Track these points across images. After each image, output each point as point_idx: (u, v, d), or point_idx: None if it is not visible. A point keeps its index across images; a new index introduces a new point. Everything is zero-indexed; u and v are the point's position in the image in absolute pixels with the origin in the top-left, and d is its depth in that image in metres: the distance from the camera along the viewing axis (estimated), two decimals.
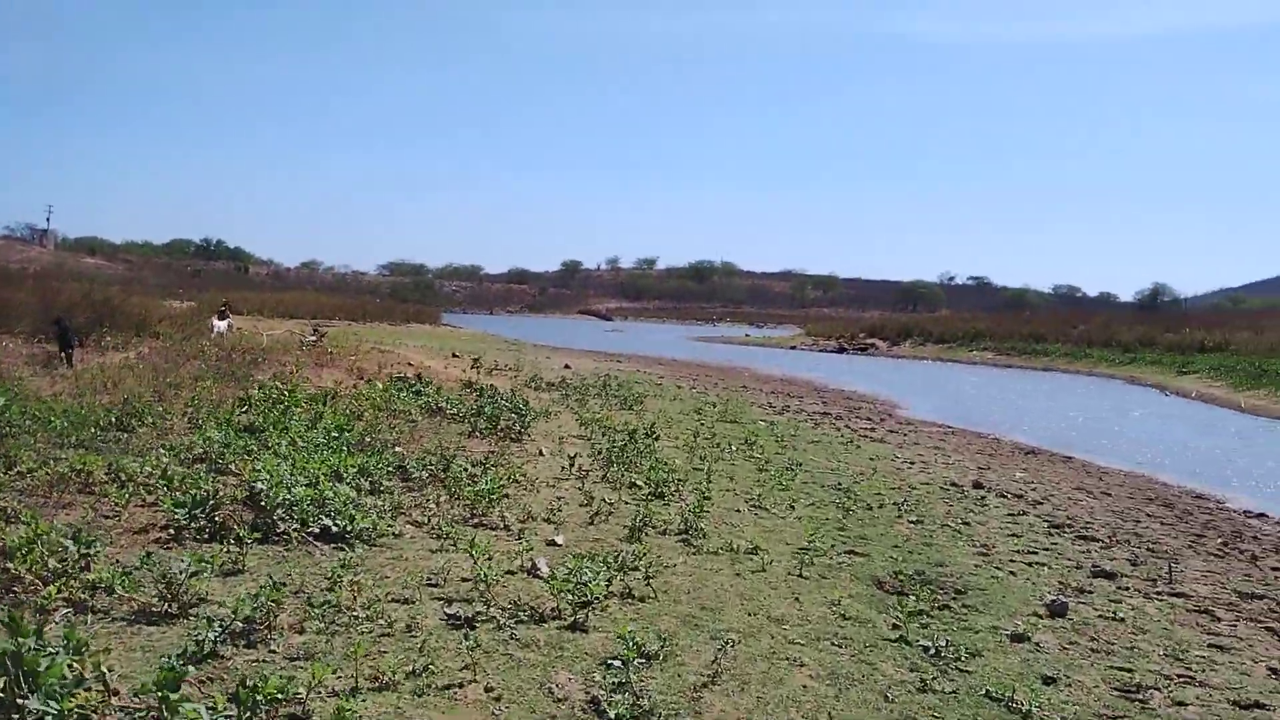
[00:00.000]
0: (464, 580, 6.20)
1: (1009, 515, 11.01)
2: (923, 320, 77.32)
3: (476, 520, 7.92)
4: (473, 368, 19.27)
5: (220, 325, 25.66)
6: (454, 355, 31.09)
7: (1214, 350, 47.81)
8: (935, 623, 6.56)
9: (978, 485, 12.83)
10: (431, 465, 9.42)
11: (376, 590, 5.86)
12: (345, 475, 8.26)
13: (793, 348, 67.68)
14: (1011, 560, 8.64)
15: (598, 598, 5.94)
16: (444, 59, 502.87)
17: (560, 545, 7.43)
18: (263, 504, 6.98)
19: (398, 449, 10.50)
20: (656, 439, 13.01)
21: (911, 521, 9.97)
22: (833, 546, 8.33)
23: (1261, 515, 13.45)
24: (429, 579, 6.23)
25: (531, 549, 7.03)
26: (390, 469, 9.07)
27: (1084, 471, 16.54)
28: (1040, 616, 6.89)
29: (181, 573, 5.27)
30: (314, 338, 27.50)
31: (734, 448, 13.51)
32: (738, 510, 9.48)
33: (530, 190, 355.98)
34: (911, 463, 14.77)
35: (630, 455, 11.26)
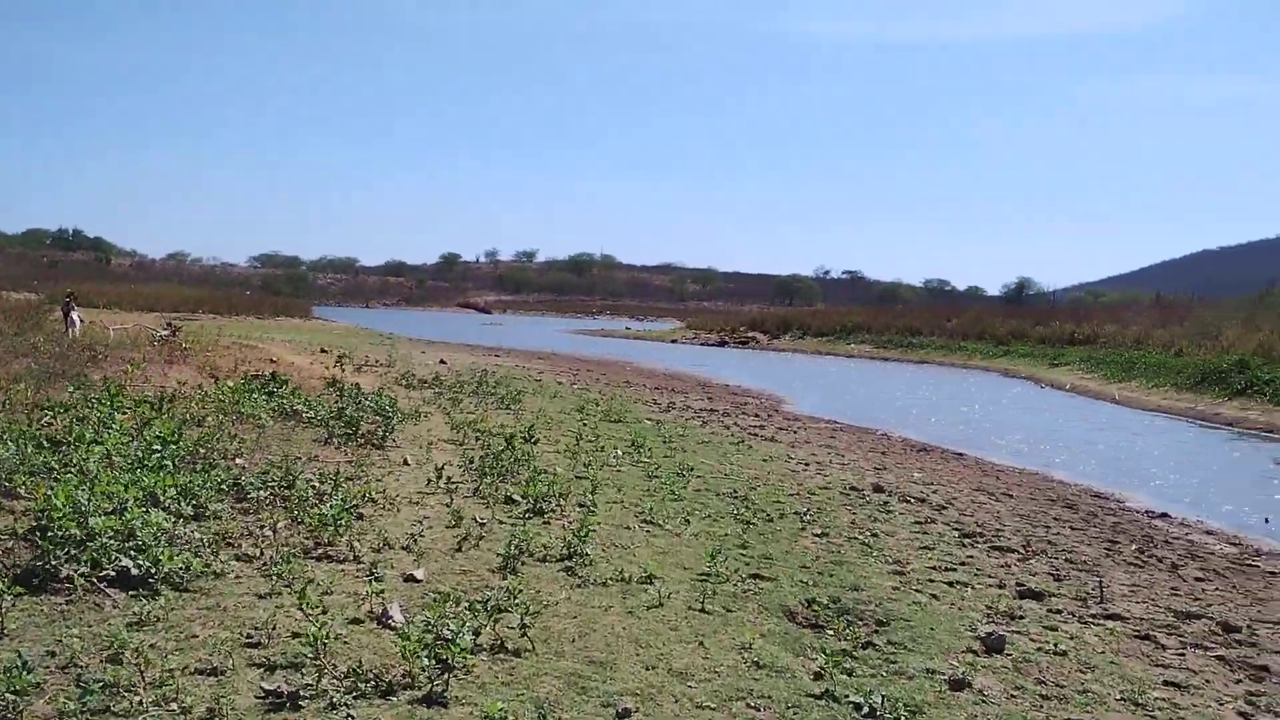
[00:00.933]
0: (295, 636, 4.99)
1: (916, 523, 10.22)
2: (801, 314, 77.66)
3: (321, 551, 6.67)
4: (336, 364, 17.77)
5: (77, 319, 23.59)
6: (322, 351, 29.38)
7: (1083, 343, 48.85)
8: (861, 666, 5.61)
9: (878, 489, 12.05)
10: (274, 481, 8.10)
11: (176, 658, 4.60)
12: (163, 498, 6.93)
13: (674, 341, 67.15)
14: (930, 580, 7.78)
15: (462, 655, 4.81)
16: (321, 50, 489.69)
17: (420, 581, 6.24)
18: (48, 539, 5.64)
19: (238, 460, 9.15)
20: (536, 443, 11.87)
21: (817, 535, 9.07)
22: (736, 571, 7.32)
23: (1164, 515, 13.03)
24: (249, 636, 5.00)
25: (383, 589, 5.84)
26: (222, 487, 7.73)
27: (980, 470, 16.01)
28: (976, 653, 6.00)
29: None
30: (167, 332, 25.50)
31: (620, 452, 12.46)
32: (627, 527, 8.42)
33: (408, 181, 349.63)
34: (806, 464, 13.96)
35: (506, 463, 10.10)
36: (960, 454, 18.11)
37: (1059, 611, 7.23)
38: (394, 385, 19.04)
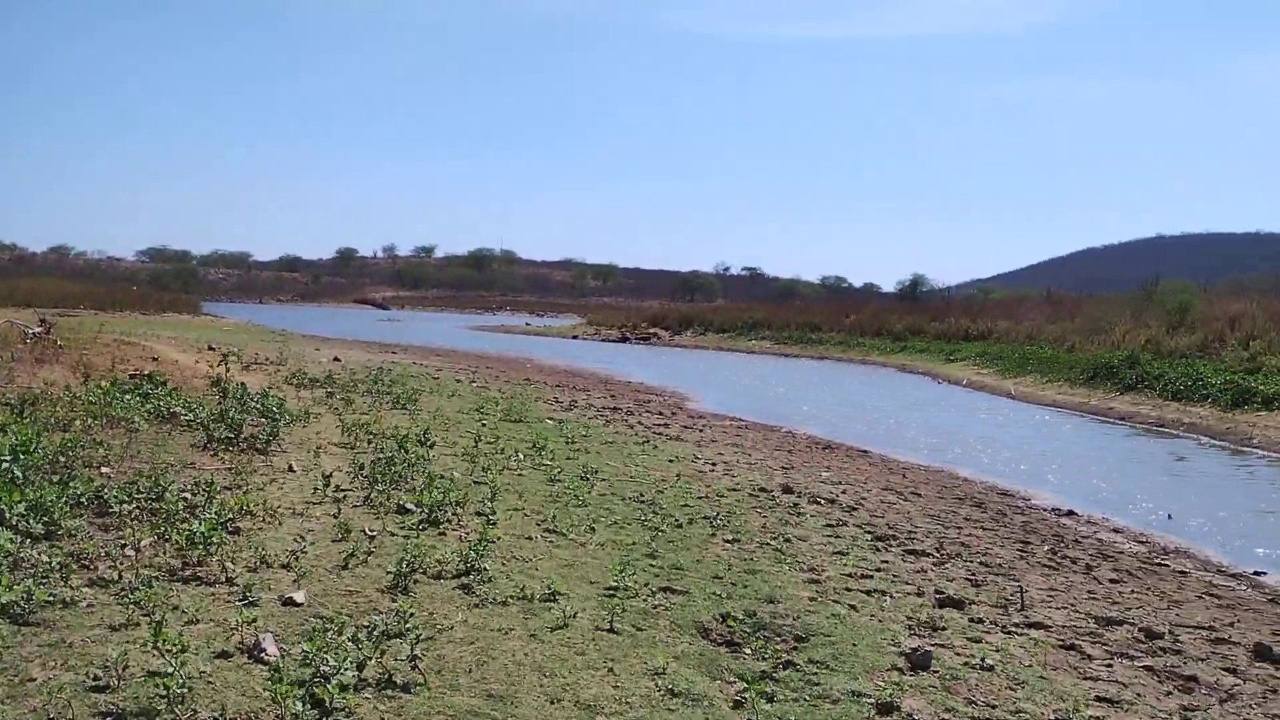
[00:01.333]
0: (151, 675, 4.37)
1: (828, 526, 9.92)
2: (703, 310, 77.88)
3: (190, 572, 6.02)
4: (221, 363, 16.83)
5: None
6: (209, 348, 28.18)
7: (978, 338, 49.78)
8: (783, 690, 5.21)
9: (787, 490, 11.75)
10: (141, 493, 7.38)
11: (7, 709, 3.98)
12: (9, 515, 6.21)
13: (575, 337, 66.67)
14: (847, 589, 7.44)
15: (343, 695, 4.27)
16: (206, 36, 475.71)
17: (301, 605, 5.64)
18: None
19: (104, 470, 8.39)
20: (432, 446, 11.25)
21: (728, 540, 8.68)
22: (646, 584, 6.87)
23: (1071, 513, 13.00)
24: (96, 679, 4.36)
25: (257, 616, 5.25)
26: (81, 501, 7.01)
27: (886, 468, 15.87)
28: (902, 671, 5.65)
29: None
30: (41, 329, 24.08)
31: (521, 454, 11.92)
32: (529, 538, 7.90)
33: (301, 174, 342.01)
34: (713, 464, 13.60)
35: (400, 469, 9.49)
36: (865, 451, 18.01)
37: (981, 621, 6.95)
38: (283, 384, 18.18)
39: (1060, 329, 44.14)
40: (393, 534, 7.43)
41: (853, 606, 6.92)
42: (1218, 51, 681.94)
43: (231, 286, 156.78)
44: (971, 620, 6.94)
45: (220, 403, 12.48)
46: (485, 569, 6.55)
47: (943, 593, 7.55)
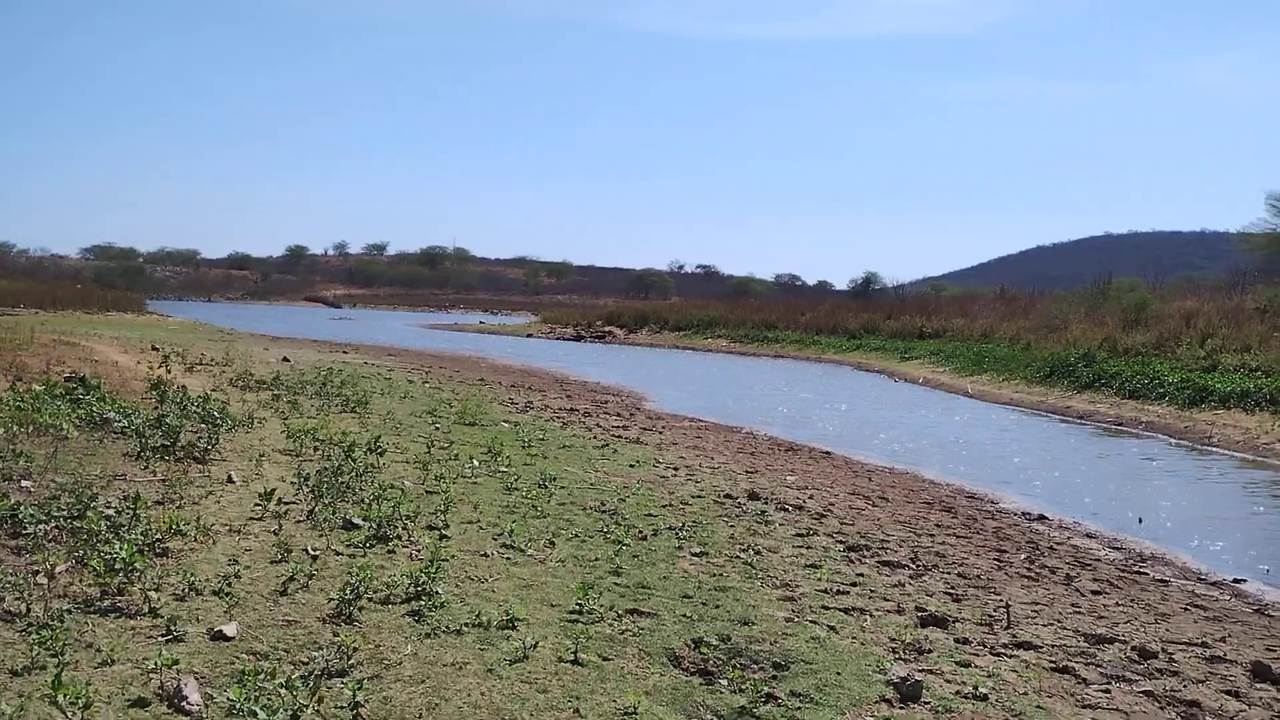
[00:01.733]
0: None
1: (798, 536, 9.49)
2: (659, 307, 77.44)
3: (109, 602, 5.45)
4: (161, 365, 16.12)
5: None
6: (153, 348, 27.32)
7: (932, 336, 49.78)
8: None
9: (753, 496, 11.31)
10: (61, 510, 6.77)
11: None
12: None
13: (529, 336, 66.07)
14: (824, 607, 7.01)
15: None
16: (151, 28, 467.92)
17: (232, 639, 5.10)
18: None
19: (25, 483, 7.76)
20: (383, 453, 10.68)
21: (695, 553, 8.21)
22: (611, 606, 6.38)
23: (1042, 518, 12.71)
24: None
25: (180, 656, 4.70)
26: None
27: (851, 470, 15.51)
28: (891, 703, 5.21)
29: None
30: None
31: (476, 461, 11.39)
32: (485, 554, 7.38)
33: (250, 170, 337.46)
34: (676, 468, 13.15)
35: (348, 479, 8.94)
36: (828, 453, 17.65)
37: (967, 641, 6.53)
38: (227, 386, 17.49)
39: (1015, 327, 44.16)
40: (338, 553, 6.88)
41: (832, 628, 6.48)
42: (1165, 53, 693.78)
43: (179, 285, 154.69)
44: (958, 640, 6.52)
45: (158, 407, 11.84)
46: (437, 592, 6.03)
47: (924, 609, 7.15)
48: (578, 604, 6.17)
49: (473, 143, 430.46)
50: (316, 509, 7.88)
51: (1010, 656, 6.30)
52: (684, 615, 6.39)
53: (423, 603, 5.92)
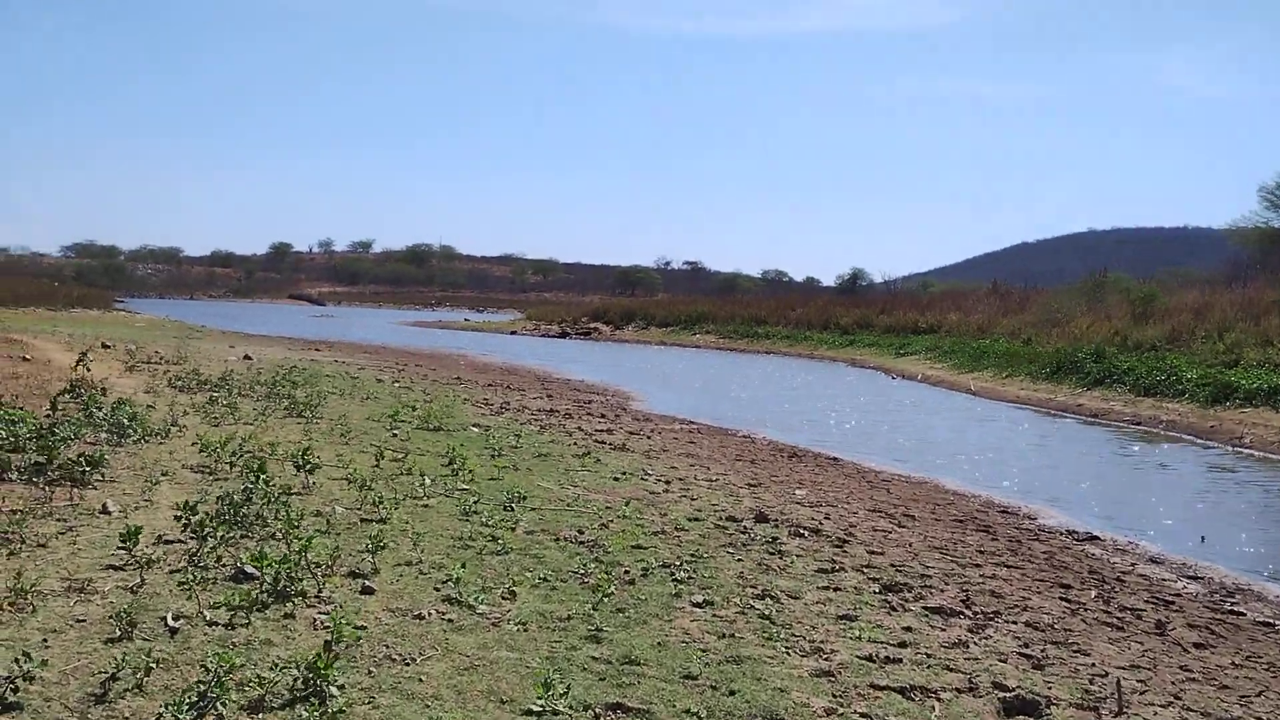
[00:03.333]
0: None
1: (821, 572, 7.68)
2: (646, 304, 75.56)
3: None
4: (78, 364, 14.25)
5: None
6: (103, 346, 25.47)
7: (926, 332, 48.07)
8: None
9: (761, 517, 9.50)
10: None
11: None
12: None
13: (514, 333, 64.25)
14: (873, 686, 5.19)
15: None
16: (129, 20, 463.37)
17: None
18: None
19: None
20: (313, 470, 8.81)
21: (697, 604, 6.40)
22: (585, 702, 4.55)
23: (1093, 538, 10.93)
24: None
25: None
26: None
27: (864, 480, 13.72)
28: None
29: None
30: None
31: (431, 477, 9.55)
32: (420, 616, 5.54)
33: (233, 168, 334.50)
34: (668, 481, 11.34)
35: (260, 505, 7.12)
36: (836, 459, 15.86)
37: None
38: (165, 388, 15.64)
39: (1015, 322, 42.51)
40: (211, 622, 5.02)
41: None
42: (1136, 52, 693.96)
43: (161, 282, 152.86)
44: None
45: (50, 415, 9.98)
46: (334, 693, 4.19)
47: (1004, 685, 5.36)
48: (540, 701, 4.37)
49: (460, 141, 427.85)
50: (201, 552, 6.03)
51: None
52: (688, 712, 4.58)
53: (310, 709, 4.08)
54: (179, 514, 6.35)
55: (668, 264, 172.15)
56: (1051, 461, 17.57)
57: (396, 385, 20.78)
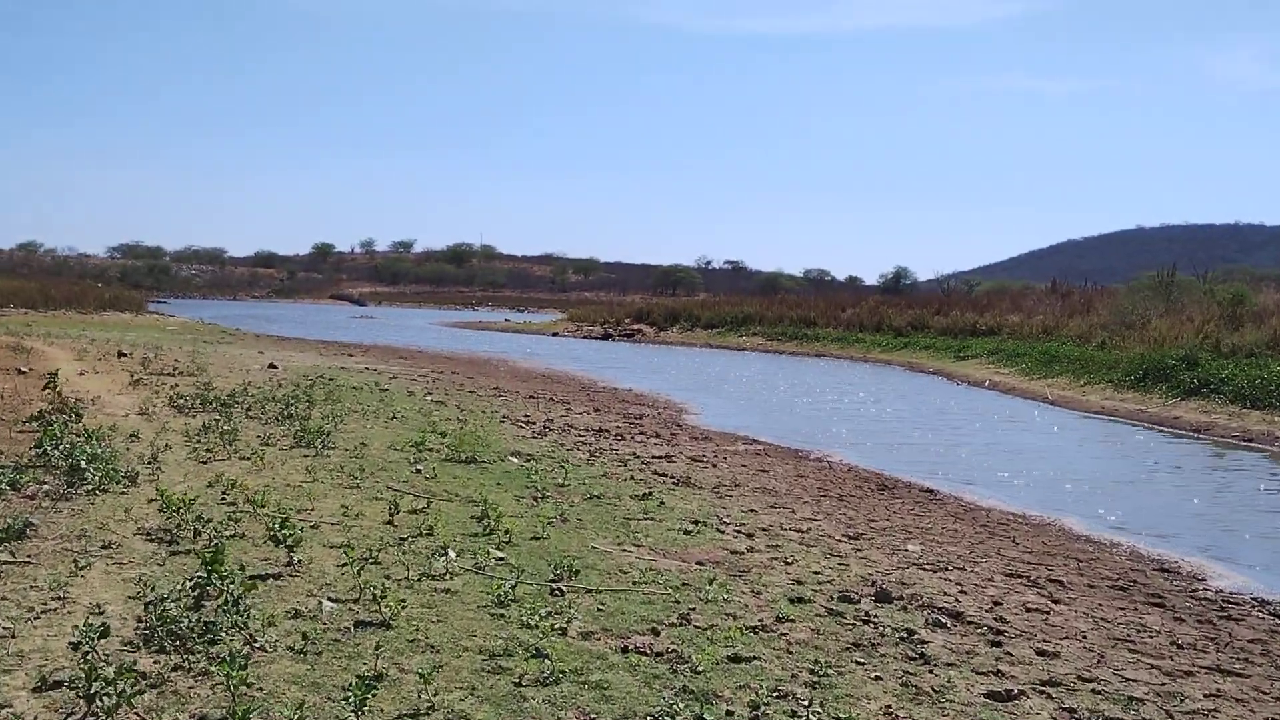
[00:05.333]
0: None
1: (992, 698, 5.49)
2: (690, 304, 73.24)
3: None
4: (46, 386, 12.37)
5: None
6: (120, 354, 23.85)
7: (986, 334, 45.51)
8: None
9: (884, 597, 7.30)
10: None
11: None
12: None
13: (555, 334, 62.32)
14: None
15: None
16: (183, 39, 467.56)
17: None
18: None
19: None
20: (297, 542, 6.72)
21: None
22: None
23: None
24: None
25: None
26: None
27: (974, 523, 11.48)
28: None
29: None
30: None
31: (455, 541, 7.47)
32: None
33: (278, 169, 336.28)
34: (750, 534, 9.18)
35: (217, 605, 5.07)
36: (932, 491, 13.61)
37: None
38: (164, 407, 13.73)
39: (1083, 324, 39.82)
40: None
41: None
42: (1192, 44, 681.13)
43: (205, 283, 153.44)
44: None
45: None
46: None
47: None
48: None
49: (500, 140, 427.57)
50: (98, 698, 3.95)
51: None
52: None
53: None
54: (77, 639, 4.27)
55: (709, 263, 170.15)
56: (1176, 491, 15.14)
57: (429, 399, 18.80)
